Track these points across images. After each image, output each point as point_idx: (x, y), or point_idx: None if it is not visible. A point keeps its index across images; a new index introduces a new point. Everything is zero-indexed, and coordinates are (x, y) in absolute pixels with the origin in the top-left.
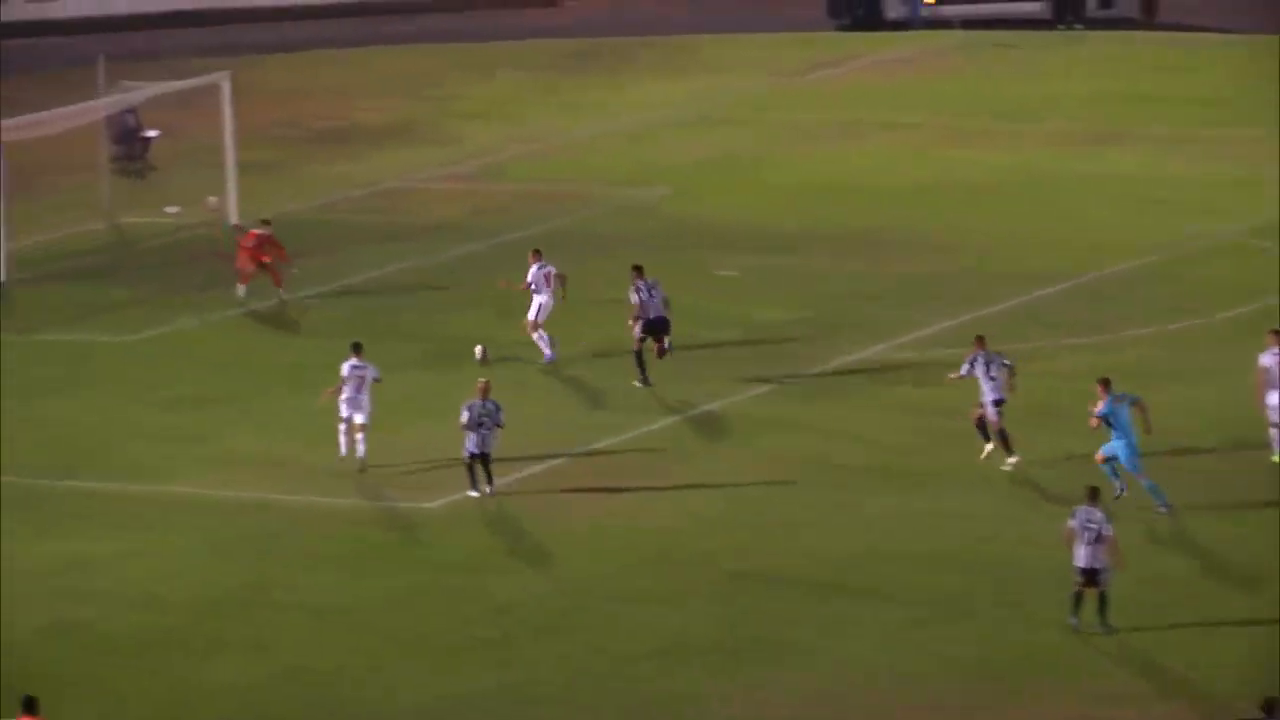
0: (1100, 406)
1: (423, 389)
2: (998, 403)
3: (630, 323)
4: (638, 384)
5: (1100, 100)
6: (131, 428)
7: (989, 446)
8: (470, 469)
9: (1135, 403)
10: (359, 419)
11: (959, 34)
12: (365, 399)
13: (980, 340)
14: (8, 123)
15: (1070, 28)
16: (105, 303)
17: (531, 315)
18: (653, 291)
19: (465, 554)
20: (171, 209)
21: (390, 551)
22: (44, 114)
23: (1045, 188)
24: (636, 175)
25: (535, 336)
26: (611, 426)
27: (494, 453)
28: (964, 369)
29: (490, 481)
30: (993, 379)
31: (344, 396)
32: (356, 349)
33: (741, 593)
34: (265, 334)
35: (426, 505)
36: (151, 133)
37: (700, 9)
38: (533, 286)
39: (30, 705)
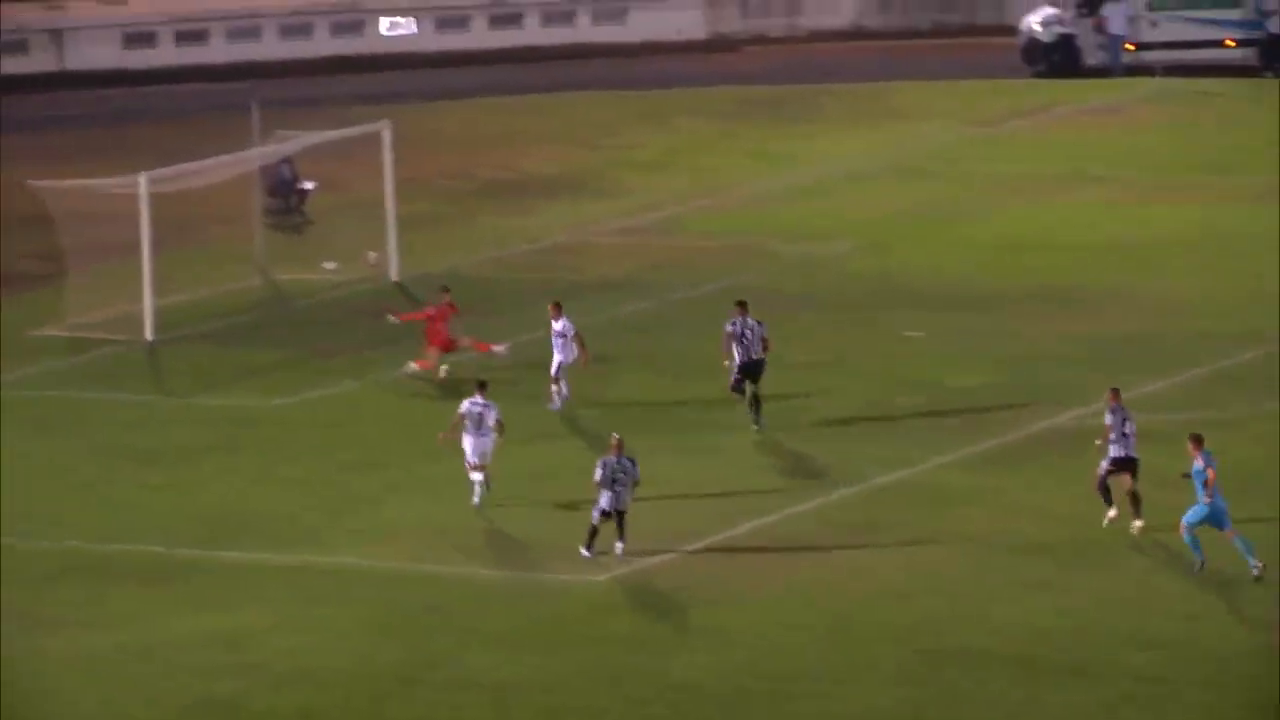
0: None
1: (593, 452)
2: (1123, 462)
3: (725, 362)
4: (754, 428)
5: None
6: (285, 495)
7: (1112, 512)
8: (593, 529)
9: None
10: (475, 460)
11: (1160, 82)
12: (488, 441)
13: (1116, 393)
14: (156, 173)
15: (1279, 75)
16: (259, 364)
17: (552, 370)
18: (751, 332)
19: (633, 630)
20: (329, 265)
21: (556, 627)
22: (194, 164)
23: (1251, 244)
24: (821, 229)
25: (552, 389)
26: (788, 495)
27: (631, 513)
28: (1108, 419)
29: (622, 538)
30: (1125, 435)
31: (466, 438)
32: (481, 386)
33: (930, 671)
34: (427, 397)
35: (593, 579)
36: (308, 184)
37: (888, 55)
38: (556, 341)
39: None
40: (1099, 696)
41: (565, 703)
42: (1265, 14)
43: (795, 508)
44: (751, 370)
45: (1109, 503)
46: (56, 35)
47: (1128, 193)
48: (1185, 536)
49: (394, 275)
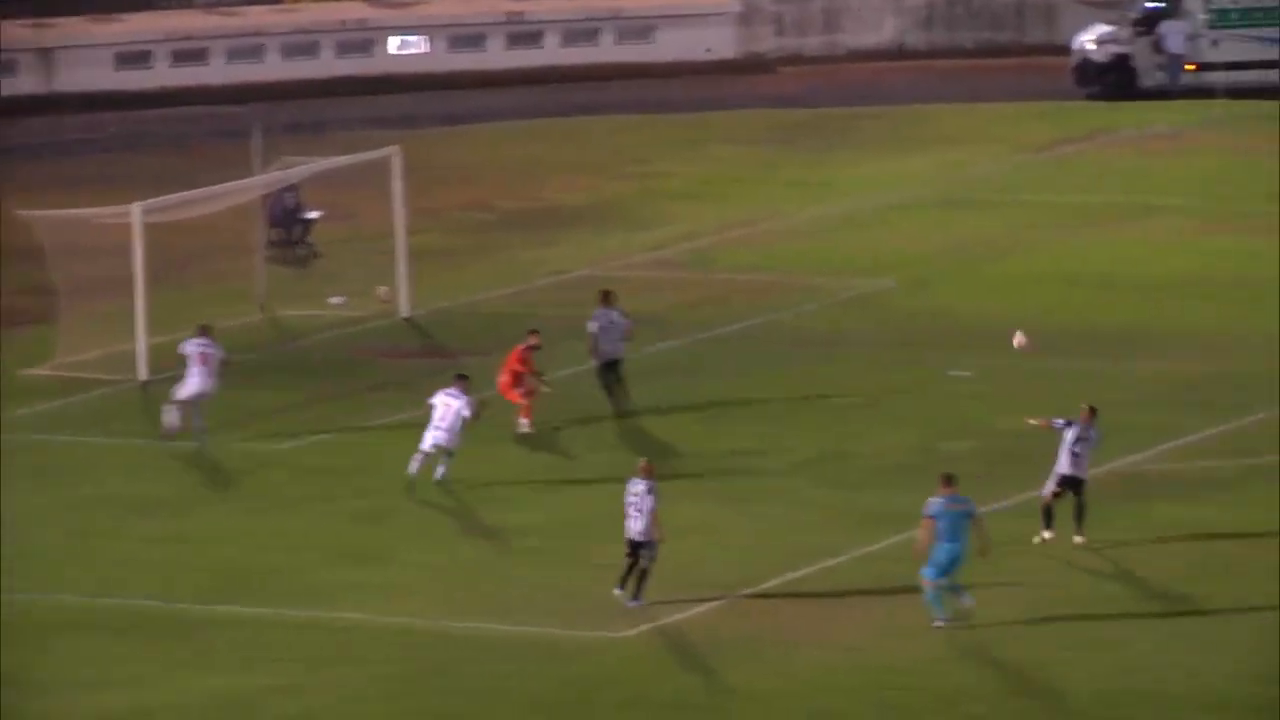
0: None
1: (617, 502)
2: (1071, 482)
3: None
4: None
5: None
6: (292, 547)
7: (1047, 534)
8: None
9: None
10: (443, 442)
11: (1224, 105)
12: (456, 430)
13: (1092, 412)
14: (151, 203)
15: None
16: (262, 405)
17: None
18: (614, 325)
19: (666, 692)
20: (336, 300)
21: (581, 689)
22: (192, 193)
23: None
24: (863, 263)
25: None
26: (827, 545)
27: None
28: (1057, 423)
29: (638, 589)
30: (1076, 455)
31: (431, 424)
32: (459, 379)
33: None
34: None
35: (621, 635)
36: (313, 214)
37: (933, 75)
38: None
39: None
40: None
41: None
42: None
43: (835, 559)
44: (613, 365)
45: (1047, 525)
46: (45, 55)
47: (1189, 224)
48: (929, 592)
49: (405, 311)
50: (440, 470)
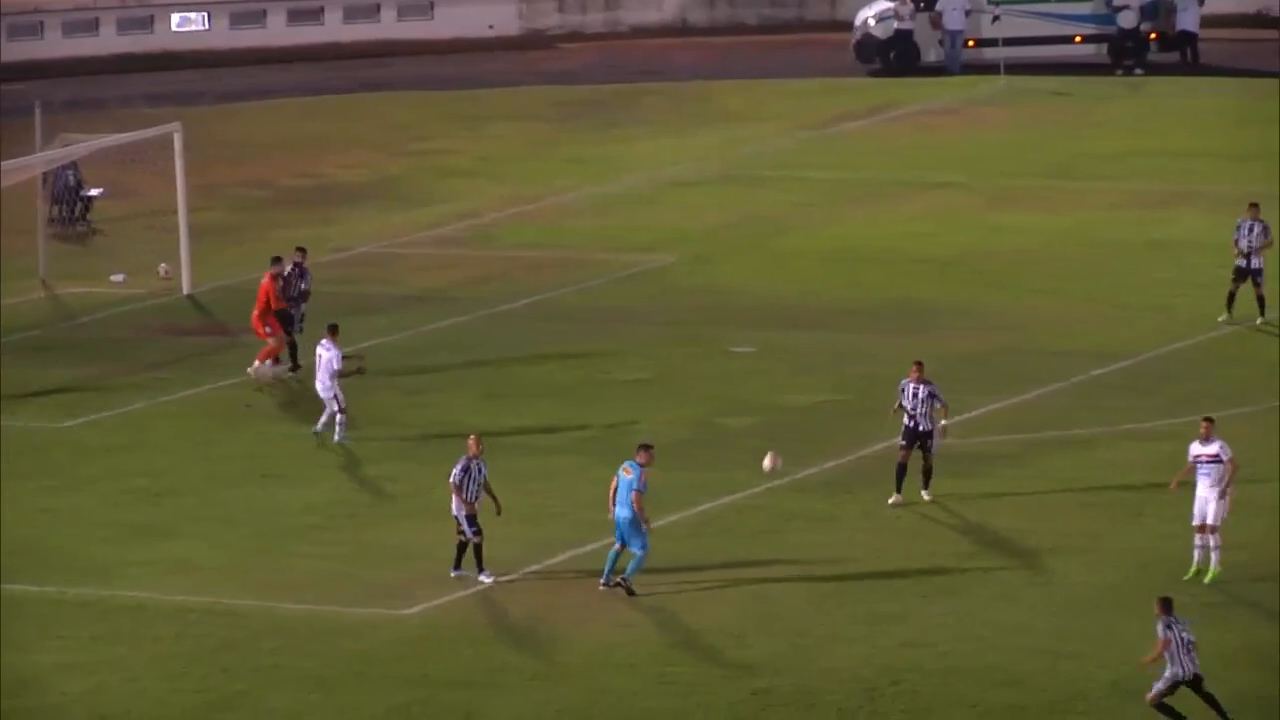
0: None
1: (400, 481)
2: (914, 434)
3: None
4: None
5: (1165, 156)
6: (73, 524)
7: (895, 498)
8: (459, 544)
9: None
10: (320, 393)
11: (1004, 81)
12: (326, 383)
13: (919, 366)
14: None
15: (1130, 73)
16: (43, 383)
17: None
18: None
19: (448, 668)
20: (117, 277)
21: (364, 665)
22: None
23: (1104, 254)
24: (644, 240)
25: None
26: (611, 525)
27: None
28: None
29: (480, 565)
30: (915, 412)
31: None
32: (332, 330)
33: (762, 714)
34: (225, 419)
35: (403, 613)
36: (94, 191)
37: (715, 52)
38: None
39: None
40: None
41: None
42: (1115, 8)
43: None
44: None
45: (898, 489)
46: None
47: (972, 200)
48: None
49: (186, 288)
50: (336, 431)
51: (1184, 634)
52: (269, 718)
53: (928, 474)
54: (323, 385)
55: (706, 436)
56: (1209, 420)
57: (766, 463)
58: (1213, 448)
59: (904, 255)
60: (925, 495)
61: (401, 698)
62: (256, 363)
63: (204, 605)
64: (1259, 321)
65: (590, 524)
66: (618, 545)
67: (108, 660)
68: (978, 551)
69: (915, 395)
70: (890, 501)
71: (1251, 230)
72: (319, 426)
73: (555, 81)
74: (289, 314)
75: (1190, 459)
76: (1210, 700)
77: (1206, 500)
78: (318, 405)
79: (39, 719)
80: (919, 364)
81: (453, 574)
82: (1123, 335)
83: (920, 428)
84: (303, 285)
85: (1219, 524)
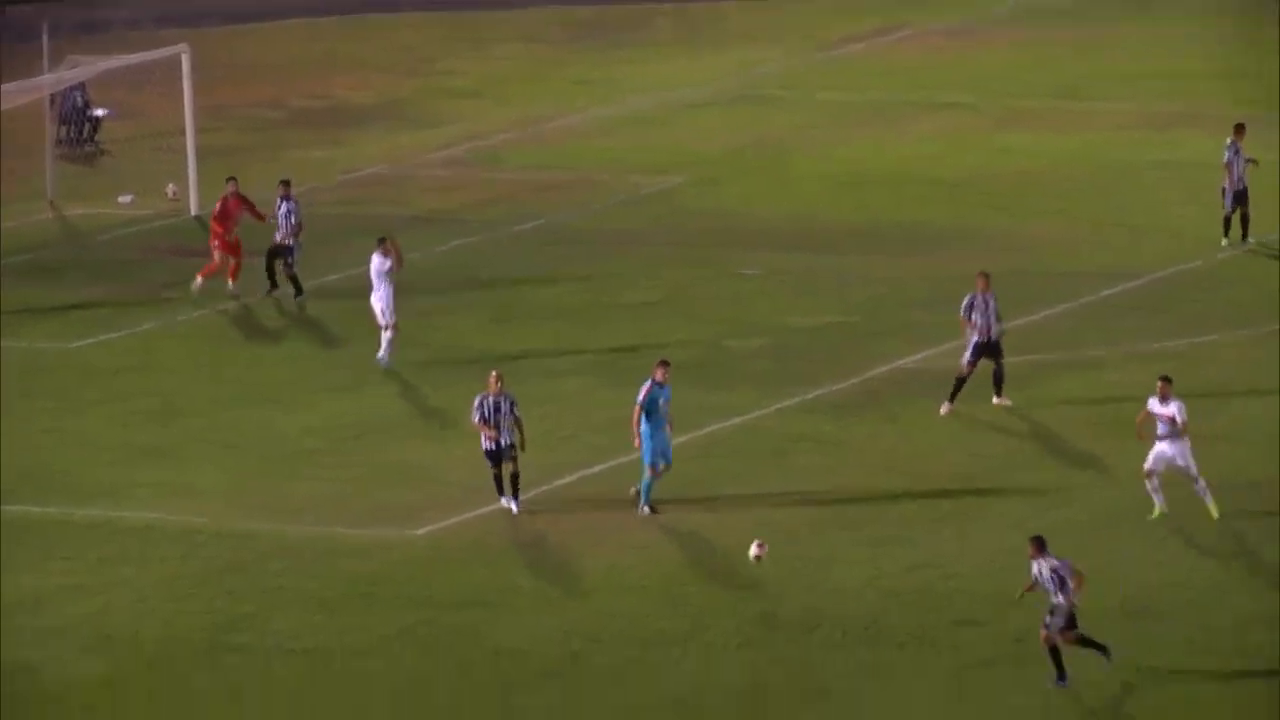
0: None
1: (408, 402)
2: (988, 348)
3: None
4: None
5: (1173, 78)
6: (80, 446)
7: (946, 407)
8: (495, 476)
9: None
10: (375, 307)
11: (1012, 1)
12: (379, 291)
13: (985, 277)
14: None
15: None
16: (51, 304)
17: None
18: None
19: (456, 590)
20: (125, 198)
21: (371, 587)
22: None
23: (1111, 176)
24: (651, 162)
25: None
26: (619, 445)
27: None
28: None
29: (515, 493)
30: (981, 322)
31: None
32: (380, 242)
33: (769, 635)
34: (234, 340)
35: (412, 533)
36: (101, 112)
37: None
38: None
39: None
40: (947, 663)
41: (381, 669)
42: None
43: (627, 458)
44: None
45: (952, 399)
46: None
47: (979, 121)
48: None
49: (194, 209)
50: (383, 350)
51: (1054, 573)
52: (275, 639)
53: (1000, 381)
54: (375, 298)
55: (714, 358)
56: (1166, 380)
57: (753, 551)
58: (1170, 409)
59: (911, 178)
60: (999, 401)
61: (408, 619)
62: (199, 279)
63: (211, 527)
64: (1250, 242)
65: (599, 447)
66: (661, 466)
67: (114, 582)
68: (985, 473)
69: (986, 306)
70: (942, 411)
71: (1239, 154)
72: (383, 357)
73: (562, 2)
74: (287, 248)
75: (1145, 413)
76: (1083, 641)
77: (1165, 454)
78: (321, 328)
79: (45, 640)
80: (985, 275)
81: (503, 502)
82: (1130, 257)
83: (991, 338)
84: (293, 221)
85: (1197, 474)
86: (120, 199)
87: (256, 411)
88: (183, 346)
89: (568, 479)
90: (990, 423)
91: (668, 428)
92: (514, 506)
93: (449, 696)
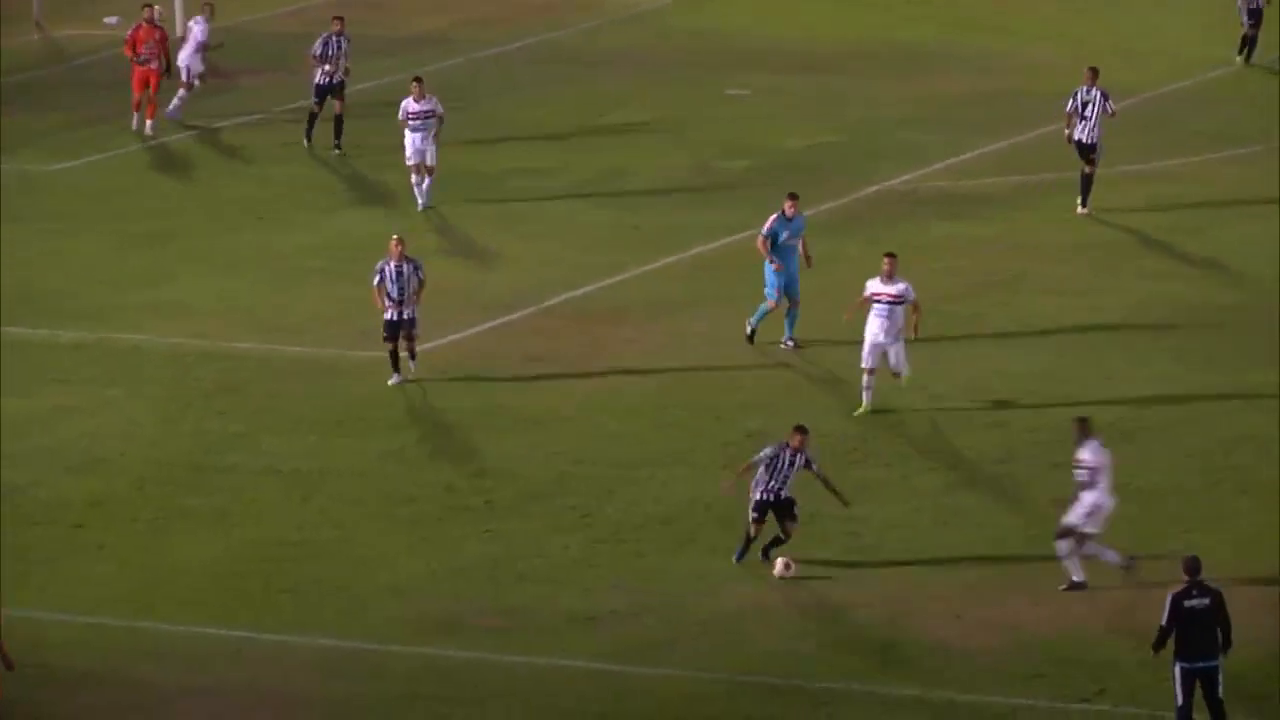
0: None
1: (399, 223)
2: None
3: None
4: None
5: None
6: (70, 267)
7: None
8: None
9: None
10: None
11: None
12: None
13: (1093, 72)
14: None
15: None
16: (39, 126)
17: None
18: None
19: (445, 412)
20: (111, 20)
21: (361, 408)
22: None
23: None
24: None
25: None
26: (607, 264)
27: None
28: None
29: (410, 353)
30: (1085, 119)
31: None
32: (415, 81)
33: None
34: (221, 162)
35: (403, 354)
36: None
37: None
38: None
39: None
40: (935, 482)
41: (370, 490)
42: None
43: (614, 277)
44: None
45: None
46: None
47: None
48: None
49: (179, 31)
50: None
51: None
52: (266, 460)
53: (1087, 187)
54: (415, 145)
55: (704, 179)
56: (891, 256)
57: (778, 568)
58: (896, 288)
59: None
60: (1082, 210)
61: (398, 440)
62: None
63: (201, 348)
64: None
65: (586, 267)
66: (783, 302)
67: (105, 403)
68: (970, 293)
69: (1089, 95)
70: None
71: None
72: (423, 198)
73: None
74: (329, 86)
75: (867, 295)
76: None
77: (878, 344)
78: (320, 149)
79: (36, 461)
80: (1094, 69)
81: (393, 380)
82: (1124, 77)
83: (1088, 140)
84: (344, 62)
85: (901, 371)
86: (106, 20)
87: (250, 233)
88: (170, 168)
89: (554, 300)
90: (976, 242)
91: (799, 261)
92: (412, 366)
93: (433, 516)
